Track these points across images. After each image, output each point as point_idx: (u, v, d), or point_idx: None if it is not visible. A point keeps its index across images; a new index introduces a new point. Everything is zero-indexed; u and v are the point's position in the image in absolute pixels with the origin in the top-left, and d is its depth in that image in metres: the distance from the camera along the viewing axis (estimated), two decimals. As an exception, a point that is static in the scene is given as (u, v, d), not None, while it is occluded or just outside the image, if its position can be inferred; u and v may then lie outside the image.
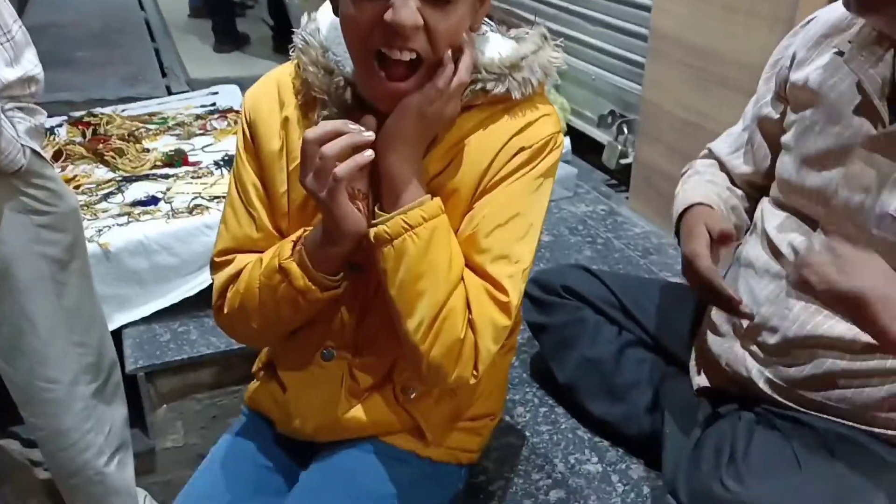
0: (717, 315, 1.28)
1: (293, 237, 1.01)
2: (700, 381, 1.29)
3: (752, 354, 1.18)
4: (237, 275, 1.05)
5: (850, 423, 1.09)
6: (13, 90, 1.36)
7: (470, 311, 0.95)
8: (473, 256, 0.98)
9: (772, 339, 1.14)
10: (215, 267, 1.08)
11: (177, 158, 2.50)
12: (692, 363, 1.33)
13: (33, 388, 1.53)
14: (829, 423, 1.10)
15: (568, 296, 1.48)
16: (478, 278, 0.97)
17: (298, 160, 0.94)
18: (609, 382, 1.39)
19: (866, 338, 0.98)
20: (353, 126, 0.90)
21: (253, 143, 1.05)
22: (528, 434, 1.50)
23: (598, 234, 2.41)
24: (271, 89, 1.05)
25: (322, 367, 1.08)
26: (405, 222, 0.91)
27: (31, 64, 1.39)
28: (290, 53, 1.02)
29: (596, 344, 1.41)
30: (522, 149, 0.98)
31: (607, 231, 2.43)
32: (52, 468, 1.67)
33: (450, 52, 0.91)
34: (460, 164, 0.98)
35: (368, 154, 0.90)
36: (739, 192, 1.35)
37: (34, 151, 1.41)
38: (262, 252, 1.04)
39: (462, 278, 0.96)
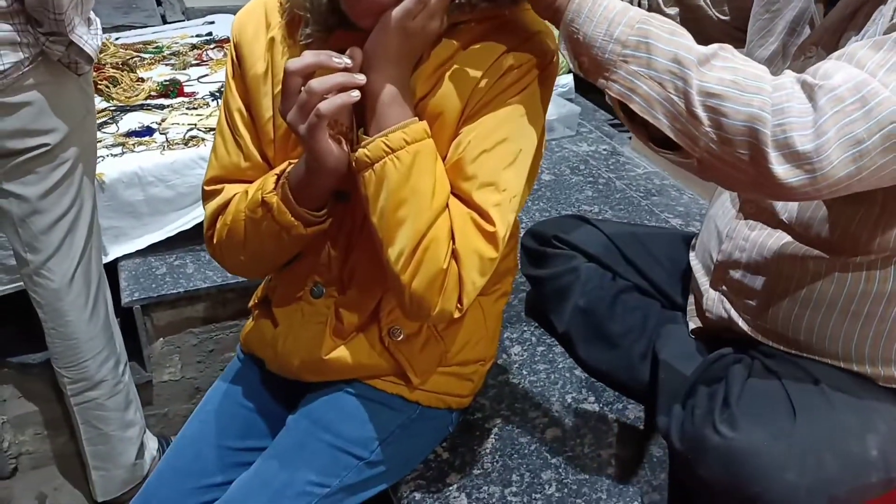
0: (692, 257, 1.27)
1: (277, 170, 0.98)
2: (694, 323, 1.28)
3: (725, 295, 1.18)
4: (226, 205, 1.02)
5: (839, 365, 1.09)
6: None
7: (454, 241, 0.91)
8: (459, 183, 0.93)
9: (737, 275, 1.14)
10: (205, 196, 1.06)
11: (172, 89, 2.46)
12: (689, 306, 1.32)
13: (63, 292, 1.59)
14: (820, 366, 1.10)
15: (562, 246, 1.46)
16: (463, 207, 0.93)
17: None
18: (603, 330, 1.38)
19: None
20: (336, 58, 0.86)
21: (239, 67, 1.01)
22: (524, 372, 1.50)
23: (599, 175, 2.38)
24: (258, 10, 1.01)
25: (311, 303, 1.06)
26: (386, 145, 0.87)
27: None
28: None
29: (588, 292, 1.39)
30: (511, 68, 0.93)
31: (609, 171, 2.40)
32: (71, 382, 1.70)
33: None
34: (446, 86, 0.93)
35: (355, 94, 0.86)
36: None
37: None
38: (250, 181, 1.02)
39: (447, 207, 0.92)
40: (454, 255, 0.92)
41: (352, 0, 0.88)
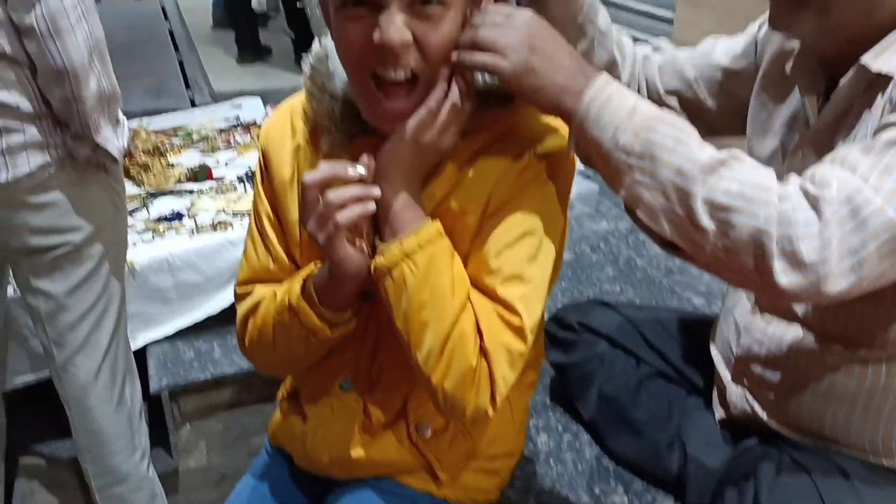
0: (713, 348, 1.28)
1: (303, 273, 1.00)
2: (719, 413, 1.28)
3: (747, 389, 1.19)
4: (256, 306, 1.05)
5: (868, 458, 1.08)
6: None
7: (482, 338, 0.92)
8: (483, 279, 0.94)
9: (757, 369, 1.15)
10: (237, 298, 1.09)
11: (201, 173, 2.53)
12: (714, 394, 1.32)
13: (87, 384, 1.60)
14: (849, 459, 1.09)
15: (585, 331, 1.47)
16: (488, 302, 0.93)
17: None
18: (628, 418, 1.38)
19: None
20: (351, 168, 0.89)
21: (267, 172, 1.05)
22: (552, 462, 1.49)
23: (619, 253, 2.40)
24: (284, 118, 1.05)
25: (340, 398, 1.08)
26: (401, 251, 0.90)
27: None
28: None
29: (612, 379, 1.40)
30: (529, 165, 0.95)
31: (629, 249, 2.42)
32: (96, 476, 1.70)
33: (446, 70, 0.88)
34: (467, 185, 0.96)
35: (371, 206, 0.89)
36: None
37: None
38: (280, 282, 1.05)
39: (469, 302, 0.93)
40: (483, 351, 0.92)
41: (372, 108, 0.91)
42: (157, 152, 2.62)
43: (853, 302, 0.99)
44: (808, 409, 1.11)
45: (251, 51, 4.28)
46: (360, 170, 0.90)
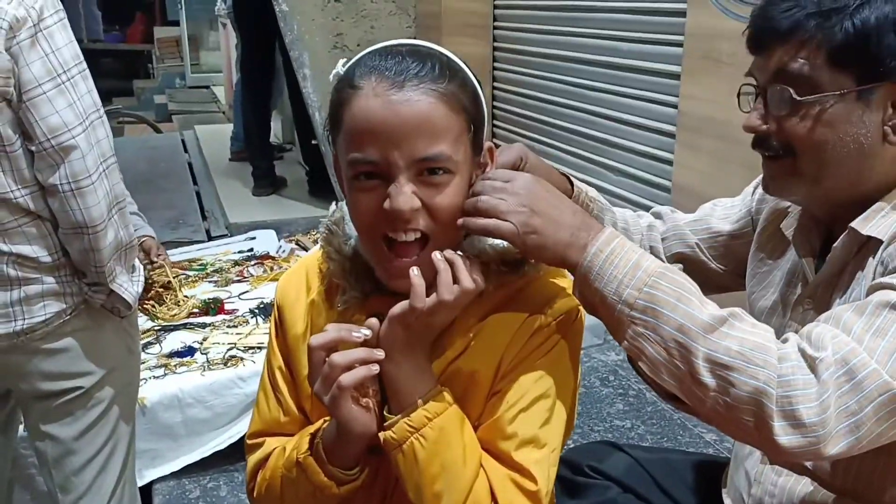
0: (725, 496, 1.27)
1: (312, 429, 1.01)
2: (737, 562, 1.25)
3: None
4: (266, 459, 1.06)
5: None
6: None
7: None
8: (498, 444, 0.95)
9: None
10: (248, 449, 1.10)
11: (213, 306, 2.57)
12: (730, 543, 1.29)
13: None
14: None
15: (595, 475, 1.46)
16: (503, 468, 0.94)
17: None
18: (641, 566, 1.35)
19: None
20: (356, 332, 0.92)
21: (281, 326, 1.08)
22: None
23: (629, 386, 2.40)
24: (300, 275, 1.10)
25: None
26: (409, 425, 0.90)
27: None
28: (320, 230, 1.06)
29: (625, 524, 1.38)
30: (540, 328, 0.97)
31: (639, 382, 2.41)
32: None
33: (440, 261, 0.90)
34: (479, 347, 0.98)
35: (375, 368, 0.91)
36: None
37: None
38: (291, 434, 1.05)
39: (483, 468, 0.94)
40: None
41: (385, 267, 0.95)
42: (171, 286, 2.67)
43: (862, 456, 1.00)
44: None
45: (266, 182, 4.43)
46: (366, 332, 0.92)
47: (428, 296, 0.90)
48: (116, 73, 10.72)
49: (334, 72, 0.98)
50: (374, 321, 0.94)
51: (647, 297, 0.90)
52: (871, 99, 0.96)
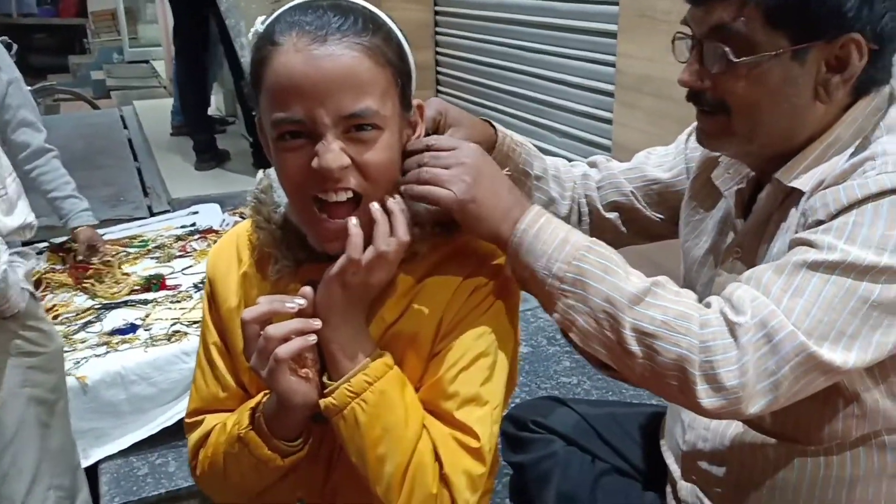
0: (663, 444, 1.30)
1: (252, 403, 1.00)
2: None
3: (697, 485, 1.20)
4: (206, 436, 1.04)
5: None
6: (11, 237, 1.40)
7: (442, 466, 0.93)
8: (440, 403, 0.95)
9: (703, 465, 1.17)
10: (187, 428, 1.08)
11: (154, 282, 2.53)
12: (668, 488, 1.32)
13: None
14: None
15: (539, 430, 1.48)
16: (445, 428, 0.95)
17: None
18: (587, 516, 1.38)
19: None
20: (289, 302, 0.91)
21: (214, 301, 1.06)
22: (510, 565, 1.48)
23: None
24: (230, 247, 1.08)
25: None
26: (349, 390, 0.90)
27: (25, 212, 1.44)
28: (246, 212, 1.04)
29: (569, 477, 1.40)
30: (477, 288, 0.98)
31: (585, 340, 2.45)
32: None
33: (378, 211, 0.90)
34: (418, 309, 0.98)
35: (312, 338, 0.90)
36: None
37: (30, 293, 1.44)
38: (230, 410, 1.04)
39: (426, 429, 0.94)
40: (444, 479, 0.93)
41: (317, 230, 0.93)
42: (110, 263, 2.62)
43: None
44: (755, 500, 1.12)
45: (209, 156, 4.34)
46: (300, 301, 0.91)
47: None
48: (50, 48, 10.32)
49: (253, 30, 0.96)
50: (307, 289, 0.93)
51: (576, 270, 0.93)
52: (805, 59, 0.96)
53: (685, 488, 1.24)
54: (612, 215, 1.36)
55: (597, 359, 0.98)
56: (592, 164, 1.41)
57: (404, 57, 0.94)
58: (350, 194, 0.90)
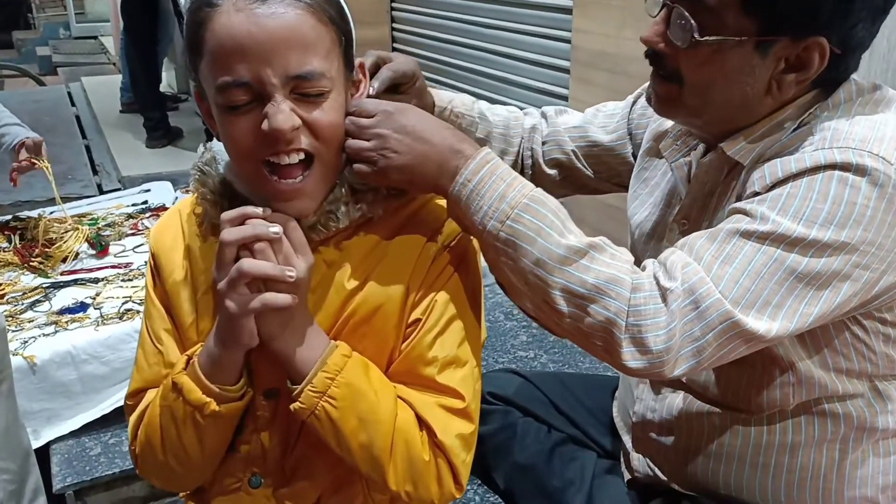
0: (615, 413, 1.33)
1: (188, 352, 0.98)
2: (628, 474, 1.31)
3: (647, 455, 1.23)
4: (144, 412, 1.01)
5: None
6: None
7: (434, 434, 0.94)
8: (421, 371, 0.96)
9: (653, 435, 1.20)
10: (127, 410, 1.05)
11: (102, 243, 2.49)
12: (621, 457, 1.35)
13: None
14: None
15: (496, 402, 1.49)
16: (429, 396, 0.96)
17: (204, 288, 0.96)
18: (543, 486, 1.40)
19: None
20: (272, 227, 0.88)
21: (158, 275, 1.04)
22: (468, 535, 1.49)
23: (532, 319, 2.45)
24: (173, 221, 1.05)
25: (250, 494, 1.04)
26: (314, 391, 0.90)
27: None
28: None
29: (525, 447, 1.42)
30: (438, 253, 0.98)
31: (542, 314, 2.47)
32: None
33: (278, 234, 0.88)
34: (380, 277, 0.97)
35: (281, 299, 0.88)
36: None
37: None
38: None
39: (409, 403, 0.95)
40: (439, 446, 0.95)
41: (268, 191, 0.91)
42: (61, 241, 2.55)
43: (727, 369, 1.06)
44: (704, 469, 1.15)
45: (160, 134, 4.25)
46: (276, 229, 0.88)
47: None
48: (-8, 24, 10.02)
49: None
50: (278, 215, 0.90)
51: (509, 231, 0.93)
52: (767, 52, 0.96)
53: (636, 458, 1.26)
54: (553, 172, 1.38)
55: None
56: (543, 116, 1.42)
57: (345, 16, 0.92)
58: (302, 155, 0.89)
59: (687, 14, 0.96)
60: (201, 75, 0.90)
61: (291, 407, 0.92)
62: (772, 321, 0.91)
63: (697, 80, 1.00)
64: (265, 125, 0.85)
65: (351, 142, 0.93)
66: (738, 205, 0.97)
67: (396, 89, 1.12)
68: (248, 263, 0.87)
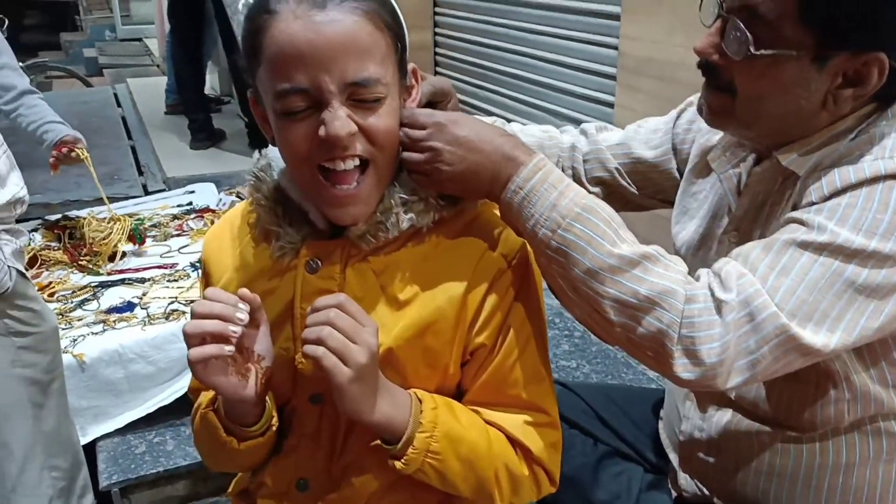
0: (661, 430, 1.30)
1: None
2: (675, 491, 1.29)
3: (695, 474, 1.21)
4: (197, 410, 1.04)
5: None
6: (2, 213, 1.38)
7: (530, 452, 0.97)
8: (507, 391, 0.97)
9: (701, 454, 1.18)
10: (191, 398, 1.08)
11: (141, 234, 2.54)
12: (669, 473, 1.33)
13: None
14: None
15: (541, 413, 1.48)
16: (516, 414, 0.98)
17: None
18: (589, 498, 1.38)
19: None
20: (239, 314, 0.85)
21: (209, 282, 1.05)
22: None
23: (575, 327, 2.43)
24: (224, 229, 1.07)
25: (296, 498, 1.04)
26: (415, 451, 0.91)
27: (17, 187, 1.41)
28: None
29: (571, 459, 1.40)
30: (501, 270, 0.96)
31: (583, 323, 2.45)
32: None
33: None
34: (433, 289, 0.95)
35: (228, 349, 0.85)
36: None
37: (19, 272, 1.42)
38: None
39: (498, 427, 0.97)
40: (538, 462, 0.98)
41: (324, 199, 0.91)
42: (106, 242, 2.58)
43: (780, 385, 1.04)
44: (753, 489, 1.13)
45: (204, 136, 4.31)
46: (242, 318, 0.85)
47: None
48: (41, 25, 10.26)
49: (243, 0, 0.93)
50: (248, 294, 0.88)
51: (560, 240, 0.91)
52: (825, 65, 0.93)
53: (684, 477, 1.24)
54: (596, 189, 1.35)
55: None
56: (583, 133, 1.39)
57: (399, 21, 0.92)
58: (357, 161, 0.89)
59: (743, 26, 0.94)
60: (259, 81, 0.90)
61: (395, 465, 0.92)
62: (830, 334, 0.89)
63: (751, 92, 0.98)
64: (322, 131, 0.85)
65: (405, 154, 0.93)
66: (793, 214, 0.95)
67: (433, 107, 1.12)
68: (190, 326, 0.85)
